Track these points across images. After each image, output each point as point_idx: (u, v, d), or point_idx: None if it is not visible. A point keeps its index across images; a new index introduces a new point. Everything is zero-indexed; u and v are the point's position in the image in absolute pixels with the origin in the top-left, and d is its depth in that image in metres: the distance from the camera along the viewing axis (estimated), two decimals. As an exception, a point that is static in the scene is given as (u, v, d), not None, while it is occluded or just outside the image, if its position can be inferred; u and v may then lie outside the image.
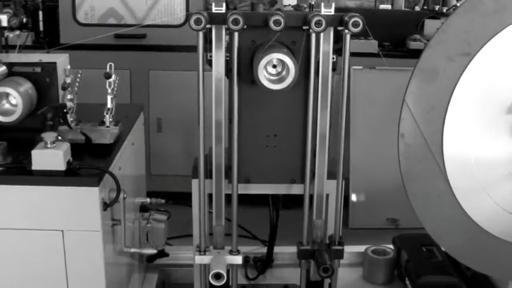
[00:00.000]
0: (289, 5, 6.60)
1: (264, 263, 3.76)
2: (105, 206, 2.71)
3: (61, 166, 2.63)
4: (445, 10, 5.58)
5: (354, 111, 5.18)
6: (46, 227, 2.69)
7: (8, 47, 3.43)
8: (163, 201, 3.52)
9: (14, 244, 2.72)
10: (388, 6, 6.05)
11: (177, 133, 5.34)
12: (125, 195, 2.83)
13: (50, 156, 2.63)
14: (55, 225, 2.68)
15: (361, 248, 3.96)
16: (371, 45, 5.11)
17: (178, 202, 4.22)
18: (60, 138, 2.71)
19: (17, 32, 3.36)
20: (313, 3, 5.37)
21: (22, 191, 2.65)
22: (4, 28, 3.31)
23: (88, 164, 2.73)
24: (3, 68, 2.95)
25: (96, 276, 2.75)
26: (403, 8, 5.99)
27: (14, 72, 3.00)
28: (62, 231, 2.69)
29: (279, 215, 3.60)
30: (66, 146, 2.68)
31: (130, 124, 3.34)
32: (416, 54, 5.14)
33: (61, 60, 3.10)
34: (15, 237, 2.70)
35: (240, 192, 3.11)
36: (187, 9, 5.16)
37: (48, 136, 2.64)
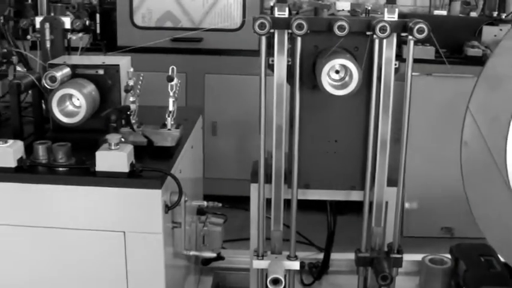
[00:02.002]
0: (343, 9, 6.59)
1: (320, 269, 3.73)
2: (167, 208, 2.73)
3: (124, 168, 2.65)
4: (503, 16, 5.49)
5: (410, 117, 5.12)
6: (108, 228, 2.71)
7: (70, 49, 3.46)
8: (220, 204, 3.51)
9: (76, 244, 2.75)
10: (443, 12, 5.96)
11: (232, 137, 5.35)
12: (186, 199, 2.83)
13: (113, 157, 2.65)
14: (117, 227, 2.71)
15: (417, 257, 3.90)
16: (428, 51, 5.05)
17: (232, 206, 4.23)
18: (123, 140, 2.73)
19: (80, 34, 3.39)
20: (369, 8, 5.35)
21: (85, 192, 2.68)
22: (67, 30, 3.34)
23: (150, 166, 2.74)
24: (67, 69, 2.98)
25: (156, 278, 2.76)
26: (459, 14, 5.90)
27: (77, 74, 3.03)
28: (124, 232, 2.71)
29: (336, 221, 3.57)
30: (130, 148, 2.70)
31: (190, 127, 3.35)
32: (474, 61, 5.11)
33: (123, 62, 3.12)
34: (77, 237, 2.73)
35: (299, 197, 3.10)
36: (243, 13, 5.16)
37: (113, 138, 2.66)
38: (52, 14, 3.44)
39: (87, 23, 3.41)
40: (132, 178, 2.66)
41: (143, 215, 2.68)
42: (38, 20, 3.30)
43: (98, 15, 5.15)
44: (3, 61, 3.17)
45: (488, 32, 5.30)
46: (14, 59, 3.23)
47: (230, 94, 5.25)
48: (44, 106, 3.15)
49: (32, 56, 3.26)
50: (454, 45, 5.30)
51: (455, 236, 5.15)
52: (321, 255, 3.87)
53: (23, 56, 3.38)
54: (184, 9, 5.21)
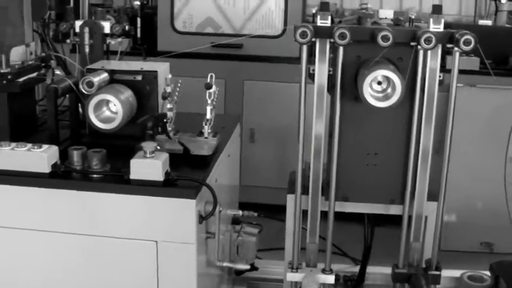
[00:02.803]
0: (386, 17, 6.49)
1: (356, 283, 3.65)
2: (201, 218, 2.68)
3: (159, 176, 2.61)
4: (553, 27, 5.35)
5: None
6: (141, 236, 2.67)
7: (110, 53, 3.44)
8: (255, 214, 3.45)
9: (108, 252, 2.72)
10: (488, 22, 5.84)
11: (270, 145, 5.30)
12: (221, 209, 2.78)
13: (148, 166, 2.61)
14: (150, 236, 2.67)
15: (455, 273, 3.80)
16: (473, 62, 4.94)
17: (267, 215, 4.16)
18: (159, 148, 2.69)
19: (119, 39, 3.37)
20: (413, 17, 5.26)
21: (118, 200, 2.65)
22: (106, 35, 3.33)
23: (185, 175, 2.69)
24: (105, 75, 2.96)
25: (188, 288, 2.72)
26: (506, 25, 5.76)
27: (115, 79, 3.00)
28: (156, 242, 2.66)
29: (373, 234, 3.49)
30: (165, 156, 2.65)
31: (227, 135, 3.30)
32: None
33: (162, 68, 3.09)
34: (109, 245, 2.70)
35: (336, 209, 3.04)
36: (285, 20, 5.11)
37: (148, 146, 2.62)
38: (93, 18, 3.43)
39: (127, 27, 3.38)
40: (167, 187, 2.61)
41: (176, 224, 2.63)
42: (78, 24, 3.28)
43: (138, 20, 5.16)
44: (42, 65, 3.16)
45: (537, 43, 5.17)
46: (52, 63, 3.21)
47: (269, 101, 5.20)
48: (80, 111, 3.14)
49: (71, 60, 3.24)
50: (500, 56, 5.16)
51: (495, 252, 5.03)
52: (355, 268, 3.79)
53: (62, 60, 3.36)
54: (225, 15, 5.18)
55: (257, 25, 5.17)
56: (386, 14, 6.78)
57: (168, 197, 2.60)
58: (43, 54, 3.22)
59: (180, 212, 2.61)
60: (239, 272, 3.74)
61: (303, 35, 2.77)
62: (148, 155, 2.62)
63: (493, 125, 4.84)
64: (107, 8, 5.05)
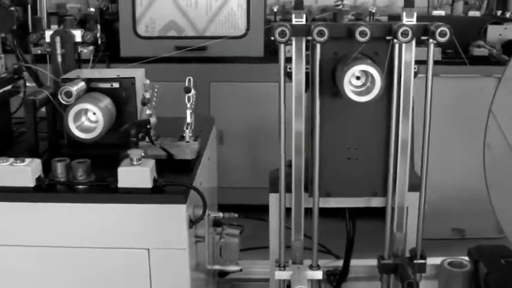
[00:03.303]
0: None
1: (340, 277, 3.68)
2: (191, 223, 2.67)
3: (147, 183, 2.59)
4: (508, 15, 5.47)
5: (417, 119, 5.09)
6: (132, 245, 2.65)
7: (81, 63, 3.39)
8: (236, 215, 3.45)
9: (99, 263, 2.68)
10: (442, 12, 5.93)
11: (239, 145, 5.30)
12: (209, 212, 2.78)
13: (136, 173, 2.59)
14: (141, 244, 2.64)
15: (435, 260, 3.86)
16: (434, 52, 5.00)
17: (244, 215, 4.16)
18: (143, 154, 2.67)
19: (91, 48, 3.33)
20: (374, 11, 5.32)
21: (108, 209, 2.62)
22: (77, 43, 3.28)
23: (171, 180, 2.67)
24: (82, 84, 2.92)
25: (182, 294, 2.71)
26: (462, 14, 5.88)
27: (91, 88, 2.97)
28: (148, 249, 2.65)
29: (355, 227, 3.53)
30: (152, 162, 2.64)
31: (206, 138, 3.30)
32: (480, 60, 5.08)
33: (138, 74, 3.07)
34: (100, 256, 2.67)
35: (320, 206, 3.05)
36: (248, 20, 5.11)
37: (134, 153, 2.60)
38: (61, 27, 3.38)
39: (98, 35, 3.34)
40: (156, 194, 2.60)
41: (168, 230, 2.62)
42: (48, 33, 3.23)
43: (98, 26, 5.10)
44: (15, 77, 3.11)
45: (494, 31, 5.28)
46: (26, 74, 3.17)
47: (236, 102, 5.20)
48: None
49: (44, 70, 3.19)
50: (460, 45, 5.25)
51: (467, 237, 5.12)
52: (337, 263, 3.82)
53: (33, 71, 3.31)
54: (188, 18, 5.16)
55: (220, 26, 5.17)
56: (341, 8, 6.84)
57: (158, 203, 2.59)
58: (15, 66, 3.16)
59: (171, 218, 2.60)
60: (222, 274, 3.73)
61: (282, 34, 2.77)
62: (135, 162, 2.60)
63: (457, 113, 4.93)
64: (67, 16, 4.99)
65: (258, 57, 5.12)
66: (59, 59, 3.20)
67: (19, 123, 3.33)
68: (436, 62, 4.81)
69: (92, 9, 5.54)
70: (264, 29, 5.12)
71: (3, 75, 3.05)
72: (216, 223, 3.48)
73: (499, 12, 5.58)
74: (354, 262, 3.73)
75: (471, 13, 6.47)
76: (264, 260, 3.88)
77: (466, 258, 3.82)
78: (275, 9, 5.34)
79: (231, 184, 5.28)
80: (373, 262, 3.42)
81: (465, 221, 5.11)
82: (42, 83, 3.31)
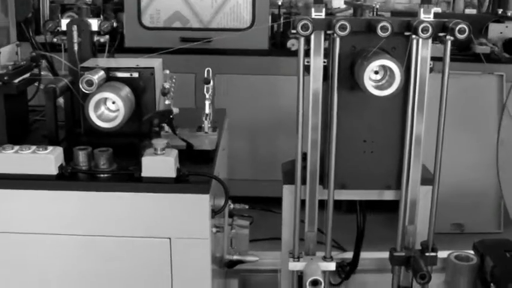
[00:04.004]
0: (339, 8, 6.58)
1: (350, 269, 3.72)
2: (213, 213, 2.70)
3: (171, 173, 2.60)
4: (509, 14, 5.52)
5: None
6: (154, 234, 2.66)
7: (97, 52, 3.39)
8: (247, 206, 3.48)
9: (121, 252, 2.70)
10: (438, 9, 5.98)
11: (244, 137, 5.31)
12: (230, 203, 2.81)
13: (160, 163, 2.60)
14: (163, 233, 2.66)
15: (441, 254, 3.91)
16: (438, 49, 5.05)
17: (252, 206, 4.19)
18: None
19: (107, 37, 3.33)
20: (377, 6, 5.35)
21: (131, 198, 2.63)
22: (94, 32, 3.28)
23: (192, 170, 2.70)
24: (102, 73, 2.91)
25: (203, 284, 2.72)
26: (463, 12, 5.93)
27: (111, 77, 2.97)
28: (170, 238, 2.66)
29: (366, 220, 3.56)
30: (175, 152, 2.65)
31: (220, 129, 3.32)
32: (483, 58, 5.13)
33: (157, 64, 3.08)
34: (122, 245, 2.68)
35: (335, 198, 3.09)
36: (253, 13, 5.12)
37: (159, 143, 2.62)
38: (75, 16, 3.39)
39: (115, 24, 3.34)
40: (179, 183, 2.61)
41: (190, 220, 2.63)
42: (65, 22, 3.22)
43: (101, 17, 5.10)
44: (33, 65, 3.11)
45: (495, 30, 5.33)
46: (43, 63, 3.17)
47: (241, 94, 5.20)
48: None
49: (62, 59, 3.18)
50: (459, 41, 5.31)
51: (466, 232, 5.18)
52: (345, 255, 3.86)
53: (48, 59, 3.31)
54: (193, 9, 5.15)
55: (225, 18, 5.17)
56: (339, 3, 6.87)
57: (182, 193, 2.60)
58: (33, 54, 3.16)
59: (194, 208, 2.61)
60: (230, 265, 3.76)
61: (304, 27, 2.79)
62: (159, 152, 2.62)
63: (460, 110, 4.98)
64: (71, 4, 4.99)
65: (263, 50, 5.13)
66: (75, 47, 3.19)
67: (31, 111, 3.35)
68: (439, 59, 4.86)
69: (90, -1, 5.54)
70: (280, 21, 5.14)
71: (22, 63, 3.04)
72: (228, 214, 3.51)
73: (500, 11, 5.64)
74: (362, 255, 3.77)
75: (467, 11, 6.54)
76: (271, 251, 3.93)
77: (470, 251, 3.89)
78: (279, 2, 5.35)
79: (235, 176, 5.30)
80: (382, 255, 3.48)
81: (464, 215, 5.17)
82: (57, 72, 3.31)
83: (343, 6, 6.71)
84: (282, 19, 5.26)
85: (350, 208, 3.55)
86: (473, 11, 6.63)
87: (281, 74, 5.06)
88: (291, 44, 5.04)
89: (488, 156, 5.09)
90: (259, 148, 5.26)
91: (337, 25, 2.77)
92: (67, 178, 2.66)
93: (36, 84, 3.20)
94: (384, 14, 5.64)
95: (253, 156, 5.27)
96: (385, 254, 3.31)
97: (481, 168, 5.12)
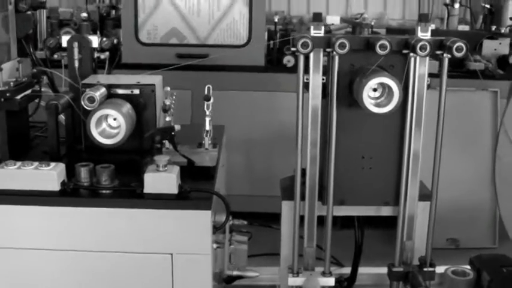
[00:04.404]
0: (333, 24, 6.63)
1: (348, 284, 3.74)
2: (215, 229, 2.72)
3: (173, 189, 2.63)
4: (503, 30, 5.59)
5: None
6: (156, 250, 2.68)
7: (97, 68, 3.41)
8: (245, 222, 3.50)
9: (123, 267, 2.72)
10: (432, 26, 6.03)
11: (240, 153, 5.32)
12: (231, 218, 2.83)
13: (163, 179, 2.63)
14: (165, 249, 2.68)
15: (439, 269, 3.93)
16: (433, 65, 5.10)
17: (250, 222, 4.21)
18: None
19: (107, 53, 3.36)
20: (373, 23, 5.39)
21: (133, 215, 2.65)
22: (94, 49, 3.30)
23: (193, 187, 2.71)
24: (103, 89, 2.95)
25: (203, 299, 2.74)
26: (458, 28, 5.99)
27: (112, 94, 3.00)
28: (171, 254, 2.68)
29: (364, 235, 3.59)
30: (177, 169, 2.68)
31: (220, 146, 3.34)
32: (476, 74, 5.17)
33: (158, 81, 3.11)
34: (124, 260, 2.70)
35: (333, 214, 3.12)
36: (249, 30, 5.15)
37: (161, 159, 2.64)
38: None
39: (115, 41, 3.37)
40: (181, 200, 2.64)
41: (192, 236, 2.65)
42: (65, 38, 3.24)
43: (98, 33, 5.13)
44: (35, 81, 3.13)
45: (489, 46, 5.38)
46: (44, 79, 3.19)
47: (237, 110, 5.22)
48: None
49: (63, 75, 3.20)
50: (455, 59, 5.35)
51: (461, 247, 5.20)
52: (343, 270, 3.88)
53: (48, 75, 3.33)
54: (190, 26, 5.18)
55: (222, 34, 5.20)
56: (333, 20, 6.92)
57: (184, 209, 2.63)
58: (34, 70, 3.19)
59: (196, 224, 2.64)
60: (229, 281, 3.77)
61: (304, 45, 2.83)
62: (161, 168, 2.64)
63: (455, 125, 5.01)
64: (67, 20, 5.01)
65: (259, 66, 5.16)
66: (76, 64, 3.21)
67: (31, 127, 3.37)
68: (434, 75, 4.92)
69: (85, 14, 5.56)
70: (277, 39, 5.17)
71: (24, 79, 3.06)
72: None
73: (493, 28, 5.70)
74: (360, 270, 3.79)
75: (460, 27, 6.61)
76: (269, 266, 3.94)
77: (467, 266, 3.91)
78: (276, 20, 5.39)
79: (232, 191, 5.31)
80: (380, 270, 3.50)
81: (459, 230, 5.19)
82: (57, 89, 3.33)
83: (337, 22, 6.78)
84: (278, 36, 5.28)
85: (345, 224, 3.57)
86: (466, 28, 6.70)
87: (277, 90, 5.08)
88: (287, 60, 5.07)
89: (483, 171, 5.13)
90: (256, 164, 5.28)
91: (337, 43, 2.81)
92: (69, 194, 2.68)
93: (36, 100, 3.22)
94: (379, 30, 5.68)
95: (249, 171, 5.29)
96: (383, 270, 3.34)
97: (476, 183, 5.16)
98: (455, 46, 2.88)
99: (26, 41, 3.39)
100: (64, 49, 3.28)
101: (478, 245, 5.11)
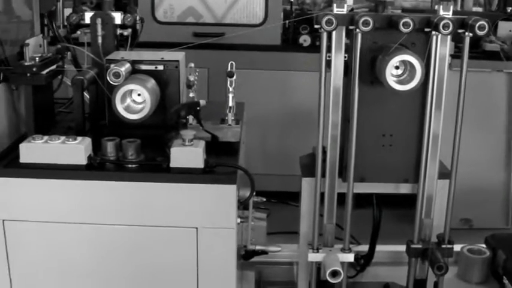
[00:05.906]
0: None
1: (365, 261, 3.78)
2: (239, 203, 2.75)
3: (200, 164, 2.66)
4: (520, 12, 5.58)
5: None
6: (181, 224, 2.71)
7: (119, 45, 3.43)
8: (264, 199, 3.53)
9: (149, 241, 2.75)
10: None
11: (256, 132, 5.33)
12: (255, 194, 2.86)
13: (189, 153, 2.66)
14: (190, 223, 2.71)
15: (454, 248, 3.97)
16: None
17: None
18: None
19: (130, 30, 3.37)
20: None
21: (159, 189, 2.68)
22: (117, 26, 3.31)
23: (218, 162, 2.74)
24: (128, 65, 2.96)
25: (227, 273, 2.78)
26: (472, 9, 5.98)
27: (136, 69, 3.02)
28: (196, 228, 2.71)
29: (382, 213, 3.62)
30: (203, 143, 2.71)
31: (241, 122, 3.37)
32: (492, 55, 5.18)
33: (181, 58, 3.13)
34: (150, 234, 2.74)
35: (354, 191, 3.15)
36: (266, 8, 5.16)
37: (187, 134, 2.67)
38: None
39: (138, 18, 3.39)
40: (207, 174, 2.67)
41: (217, 210, 2.68)
42: (88, 15, 3.26)
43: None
44: (59, 57, 3.16)
45: (504, 27, 5.37)
46: (69, 55, 3.22)
47: (252, 89, 5.22)
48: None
49: (86, 51, 3.23)
50: (471, 40, 5.36)
51: (474, 227, 5.23)
52: (360, 248, 3.92)
53: (71, 51, 3.35)
54: (207, 4, 5.20)
55: (238, 14, 5.22)
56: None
57: (210, 183, 2.65)
58: (58, 46, 3.21)
59: (221, 198, 2.67)
60: (246, 257, 3.81)
61: (329, 22, 2.85)
62: (187, 143, 2.67)
63: (469, 107, 5.02)
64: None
65: (275, 45, 5.18)
66: (99, 40, 3.23)
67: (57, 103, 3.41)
68: (452, 57, 4.91)
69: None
70: (293, 18, 5.18)
71: (48, 54, 3.09)
72: (245, 206, 3.56)
73: (509, 9, 5.68)
74: (377, 248, 3.82)
75: (474, 9, 6.60)
76: (286, 243, 3.98)
77: (482, 245, 3.96)
78: None
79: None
80: (397, 248, 3.54)
81: (473, 211, 5.22)
82: (80, 65, 3.35)
83: (350, 2, 6.76)
84: (293, 15, 5.29)
85: (360, 204, 3.59)
86: (480, 9, 6.68)
87: (293, 69, 5.11)
88: (303, 40, 5.09)
89: (497, 153, 5.16)
90: (271, 143, 5.31)
91: (361, 21, 2.83)
92: (96, 168, 2.71)
93: (59, 77, 3.24)
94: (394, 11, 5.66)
95: (265, 150, 5.31)
96: (400, 247, 3.38)
97: (490, 164, 5.18)
98: (477, 25, 2.91)
99: (49, 18, 3.41)
100: (85, 25, 3.30)
101: (491, 226, 5.13)
